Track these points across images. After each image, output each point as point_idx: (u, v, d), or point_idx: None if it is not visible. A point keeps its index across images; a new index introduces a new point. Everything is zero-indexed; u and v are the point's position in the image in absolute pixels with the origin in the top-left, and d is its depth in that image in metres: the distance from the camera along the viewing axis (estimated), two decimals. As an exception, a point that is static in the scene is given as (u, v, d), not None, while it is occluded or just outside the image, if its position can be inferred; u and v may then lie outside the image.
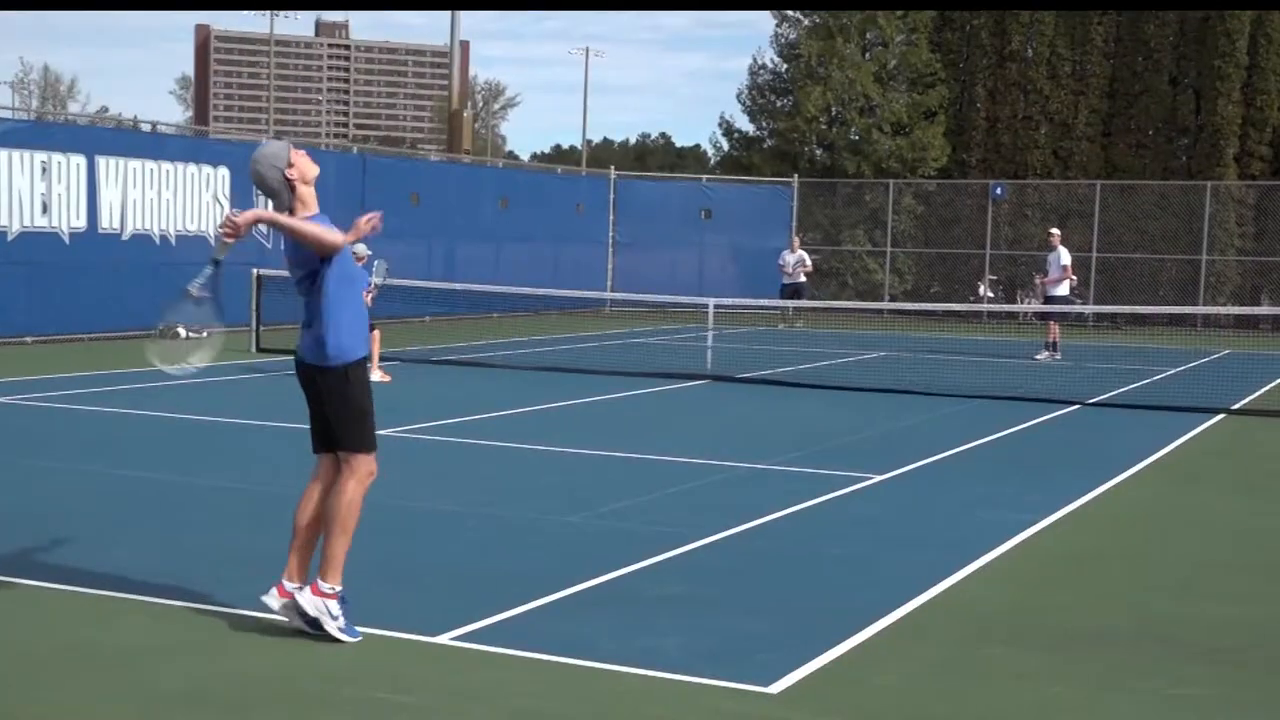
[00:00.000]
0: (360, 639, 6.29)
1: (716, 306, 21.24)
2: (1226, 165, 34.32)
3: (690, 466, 11.48)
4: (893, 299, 35.19)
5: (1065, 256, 22.93)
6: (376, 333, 16.17)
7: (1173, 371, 21.47)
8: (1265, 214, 33.76)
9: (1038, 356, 22.66)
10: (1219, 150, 34.36)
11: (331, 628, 6.26)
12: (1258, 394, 18.16)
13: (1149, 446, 13.13)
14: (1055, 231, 23.81)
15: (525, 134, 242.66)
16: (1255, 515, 10.23)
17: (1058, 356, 22.62)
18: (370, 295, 16.22)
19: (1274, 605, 7.55)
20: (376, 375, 16.25)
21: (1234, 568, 8.46)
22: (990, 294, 35.71)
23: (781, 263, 30.67)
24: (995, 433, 13.92)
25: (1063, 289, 22.96)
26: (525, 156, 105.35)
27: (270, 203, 6.48)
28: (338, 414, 6.45)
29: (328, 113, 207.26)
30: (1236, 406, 16.61)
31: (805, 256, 30.50)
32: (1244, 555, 8.84)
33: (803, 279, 30.10)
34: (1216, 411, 15.95)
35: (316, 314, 6.39)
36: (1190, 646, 6.67)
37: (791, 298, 28.91)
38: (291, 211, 6.45)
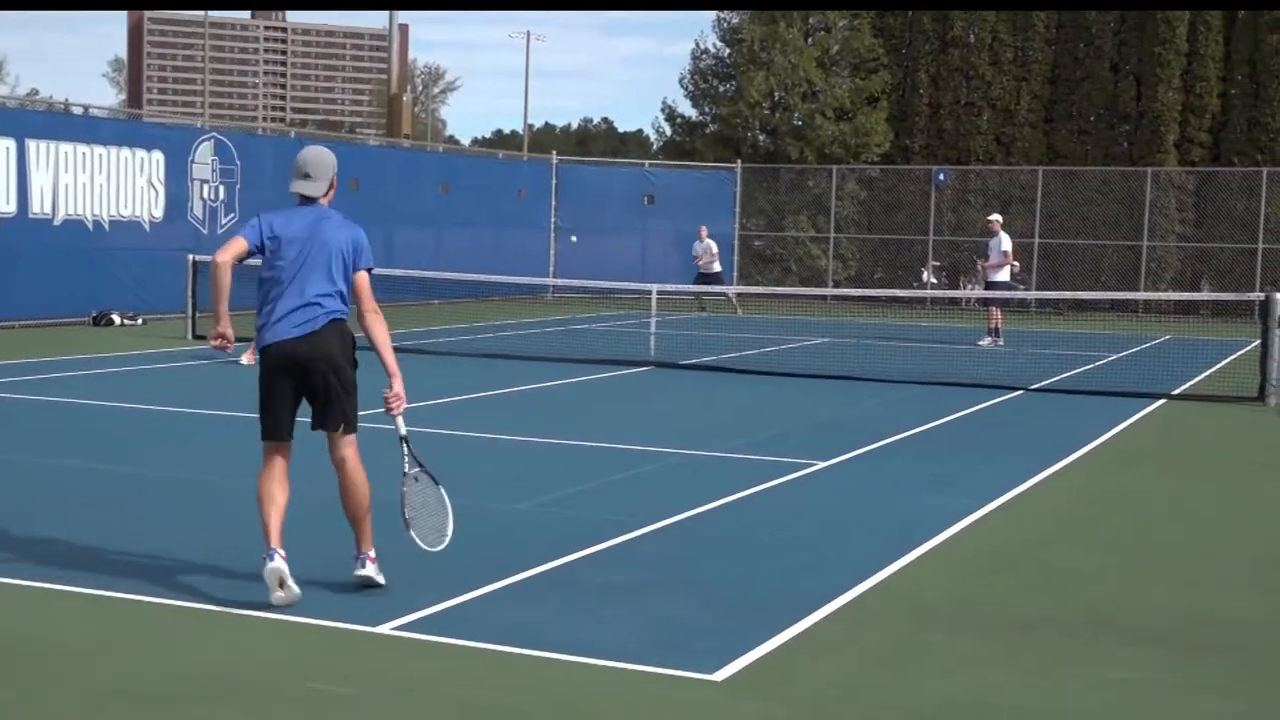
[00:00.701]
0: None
1: (659, 292, 21.26)
2: (1167, 151, 34.70)
3: (634, 453, 11.49)
4: (836, 285, 35.37)
5: (1006, 242, 23.08)
6: None
7: (1114, 357, 21.70)
8: (1205, 200, 34.17)
9: (980, 343, 22.83)
10: (1159, 136, 34.74)
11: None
12: (1198, 379, 18.38)
13: (1090, 432, 13.26)
14: (995, 217, 23.94)
15: (466, 118, 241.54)
16: (1194, 500, 10.37)
17: (1000, 342, 22.78)
18: None
19: (1213, 589, 7.65)
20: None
21: (1174, 552, 8.57)
22: (933, 280, 35.96)
23: (695, 254, 30.84)
24: (938, 419, 14.02)
25: (1003, 275, 23.09)
26: (466, 141, 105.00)
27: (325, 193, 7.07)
28: (346, 393, 7.18)
29: (265, 96, 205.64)
30: (1177, 392, 16.81)
31: (713, 245, 30.67)
32: (1183, 540, 8.96)
33: (717, 268, 30.33)
34: (1157, 397, 16.13)
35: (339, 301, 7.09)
36: (1132, 631, 6.75)
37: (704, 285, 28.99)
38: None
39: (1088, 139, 35.94)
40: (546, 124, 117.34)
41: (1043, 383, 17.49)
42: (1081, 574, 7.92)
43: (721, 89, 39.89)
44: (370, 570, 6.93)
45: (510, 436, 12.30)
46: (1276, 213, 32.94)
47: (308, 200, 6.99)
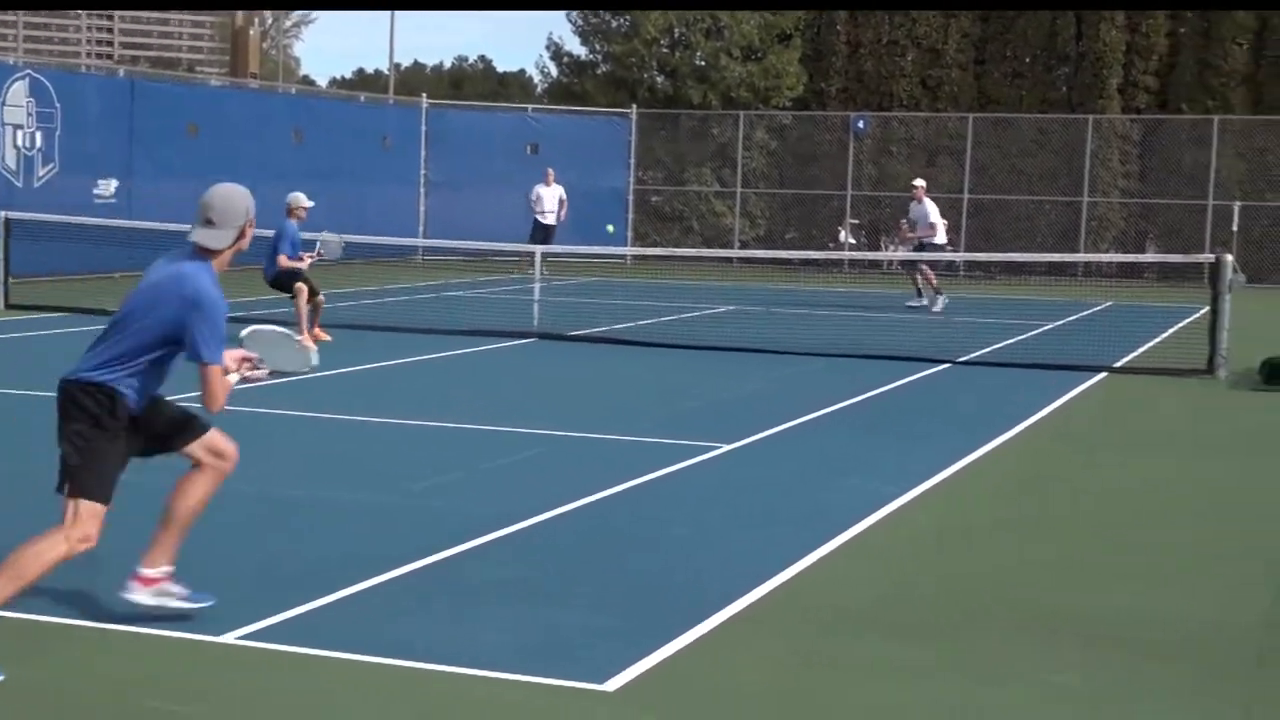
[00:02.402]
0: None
1: (545, 255, 21.22)
2: (1110, 97, 35.22)
3: (516, 436, 11.48)
4: (743, 246, 35.53)
5: (934, 213, 23.37)
6: (320, 298, 17.45)
7: (1051, 325, 22.04)
8: (1150, 151, 34.73)
9: (935, 310, 23.07)
10: (1101, 80, 35.24)
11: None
12: (1142, 350, 18.73)
13: (1025, 409, 13.47)
14: (919, 183, 24.09)
15: (323, 56, 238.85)
16: (1138, 484, 10.56)
17: (925, 302, 23.30)
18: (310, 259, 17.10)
19: (1156, 582, 7.81)
20: (313, 338, 16.46)
21: (1118, 542, 8.73)
22: (852, 240, 36.24)
23: (534, 198, 30.85)
24: (858, 395, 14.16)
25: (940, 237, 23.58)
26: (323, 82, 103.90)
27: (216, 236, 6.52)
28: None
29: (88, 29, 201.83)
30: (1119, 364, 17.11)
31: (563, 193, 30.82)
32: (1128, 528, 9.13)
33: (556, 220, 30.54)
34: (1098, 370, 16.41)
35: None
36: (1071, 630, 6.87)
37: (542, 242, 28.73)
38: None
39: (1022, 83, 36.36)
40: (415, 63, 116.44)
41: (973, 354, 17.72)
42: (1016, 566, 8.04)
43: (614, 24, 39.81)
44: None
45: (375, 419, 12.23)
46: (1228, 166, 33.60)
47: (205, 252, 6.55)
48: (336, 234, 18.02)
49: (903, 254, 26.04)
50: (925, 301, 23.46)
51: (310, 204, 17.11)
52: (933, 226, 23.36)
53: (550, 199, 30.82)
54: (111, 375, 6.38)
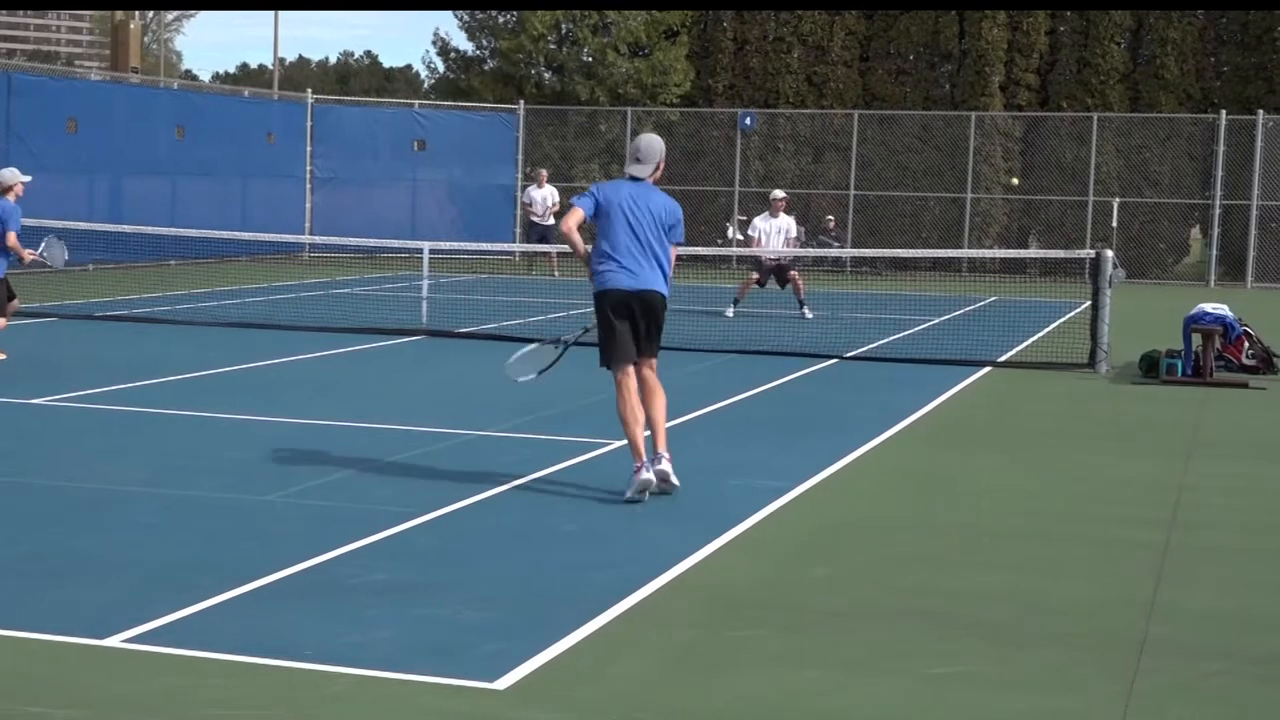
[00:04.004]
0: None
1: (432, 251, 21.14)
2: (992, 95, 35.70)
3: (403, 434, 11.43)
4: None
5: (794, 228, 22.60)
6: (15, 303, 15.43)
7: (937, 321, 22.30)
8: (1032, 148, 35.25)
9: (808, 315, 22.34)
10: (984, 78, 35.71)
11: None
12: (1025, 344, 19.01)
13: (911, 404, 13.62)
14: (779, 195, 22.82)
15: (205, 50, 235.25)
16: (1020, 477, 10.73)
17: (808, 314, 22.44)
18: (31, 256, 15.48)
19: (1039, 575, 7.94)
20: None
21: (999, 535, 8.86)
22: (739, 236, 36.40)
23: (528, 201, 30.80)
24: (743, 391, 14.24)
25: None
26: (206, 77, 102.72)
27: None
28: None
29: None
30: (1003, 359, 17.36)
31: (555, 194, 30.76)
32: (1009, 521, 9.27)
33: (553, 220, 30.35)
34: (982, 364, 16.63)
35: None
36: (955, 620, 6.97)
37: (539, 241, 29.02)
38: None
39: (906, 80, 36.76)
40: (300, 57, 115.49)
41: (858, 350, 17.89)
42: (901, 560, 8.14)
43: (501, 20, 39.73)
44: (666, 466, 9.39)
45: (259, 417, 12.12)
46: (1108, 162, 34.18)
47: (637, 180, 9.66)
48: (61, 242, 16.31)
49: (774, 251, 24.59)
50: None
51: (26, 179, 15.28)
52: (791, 242, 22.39)
53: (541, 201, 30.68)
54: None
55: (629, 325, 9.71)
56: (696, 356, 16.79)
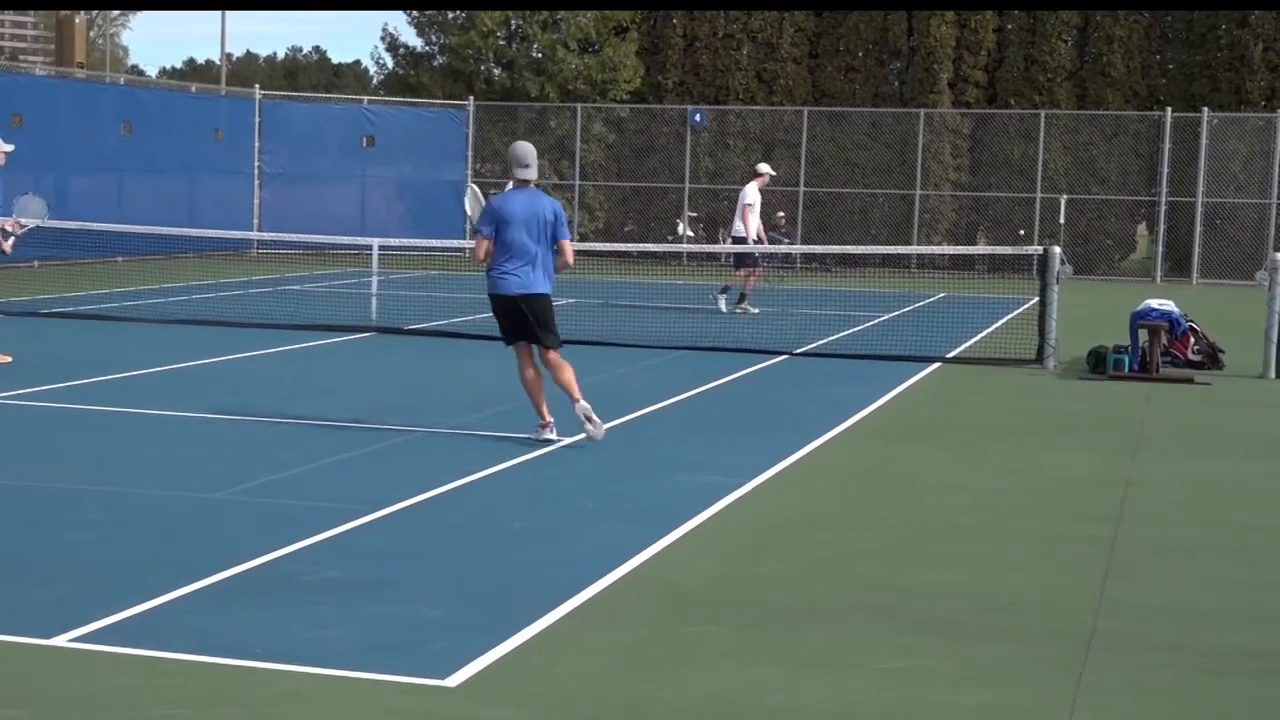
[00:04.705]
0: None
1: (381, 248, 21.07)
2: (940, 92, 35.84)
3: (352, 431, 11.39)
4: (582, 238, 35.55)
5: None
6: None
7: (886, 317, 22.38)
8: (980, 144, 35.43)
9: (744, 308, 22.21)
10: (932, 75, 35.85)
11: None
12: (974, 340, 19.10)
13: (860, 400, 13.66)
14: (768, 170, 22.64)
15: (151, 45, 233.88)
16: (970, 473, 10.79)
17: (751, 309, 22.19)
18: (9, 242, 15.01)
19: (989, 570, 7.99)
20: None
21: (949, 531, 8.91)
22: (690, 232, 36.46)
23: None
24: (694, 388, 14.26)
25: (746, 231, 22.19)
26: (152, 72, 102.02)
27: None
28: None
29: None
30: (952, 354, 17.44)
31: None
32: (959, 517, 9.32)
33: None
34: (931, 360, 16.71)
35: None
36: (906, 616, 7.00)
37: None
38: None
39: (855, 77, 36.85)
40: (248, 53, 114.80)
41: (808, 346, 17.93)
42: (852, 556, 8.17)
43: (450, 16, 39.60)
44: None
45: (206, 415, 12.05)
46: (1055, 159, 34.39)
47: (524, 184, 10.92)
48: (33, 195, 15.68)
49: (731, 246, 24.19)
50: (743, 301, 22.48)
51: (9, 147, 14.85)
52: (748, 208, 22.19)
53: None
54: None
55: (516, 319, 11.03)
56: (646, 353, 16.80)
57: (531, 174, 10.96)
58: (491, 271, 10.94)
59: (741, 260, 22.26)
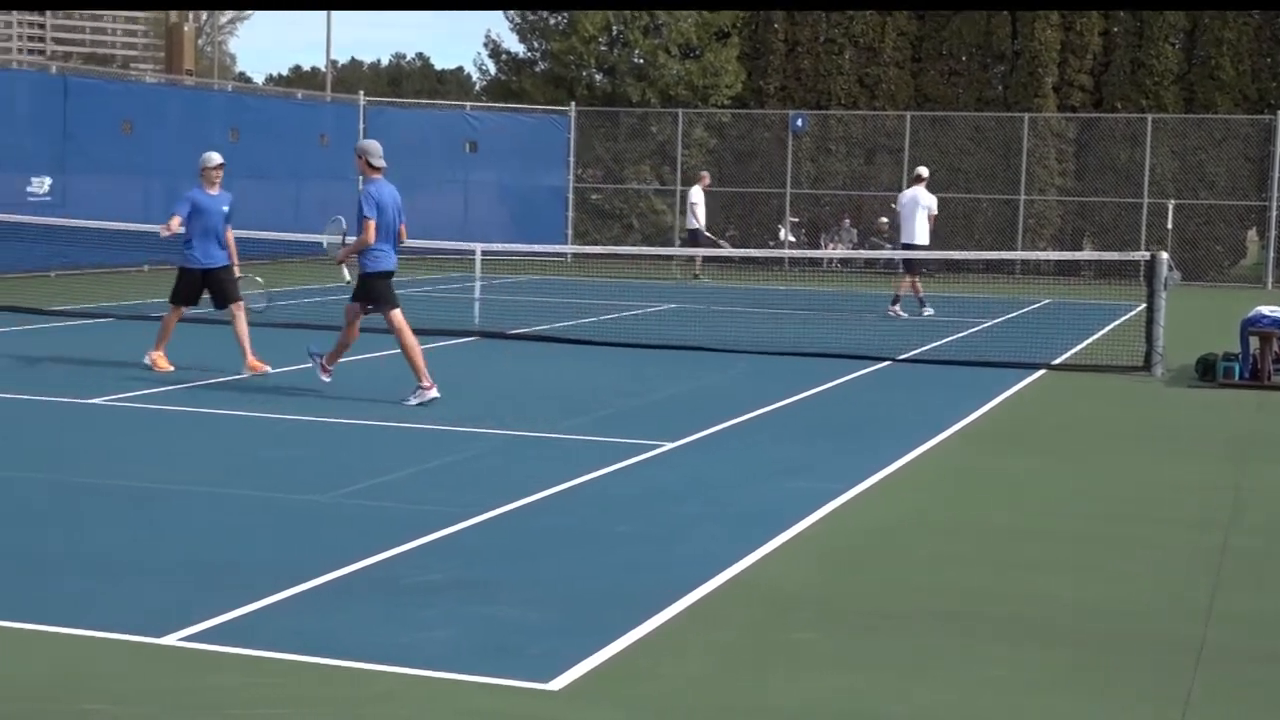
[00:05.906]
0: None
1: (484, 253, 21.18)
2: (1045, 96, 35.46)
3: (457, 435, 11.44)
4: (683, 244, 35.53)
5: (934, 205, 23.60)
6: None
7: (990, 323, 22.18)
8: (1086, 149, 35.01)
9: (914, 313, 22.76)
10: (1037, 79, 35.48)
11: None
12: (1080, 347, 18.88)
13: (964, 407, 13.54)
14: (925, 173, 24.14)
15: (259, 53, 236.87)
16: (1075, 480, 10.65)
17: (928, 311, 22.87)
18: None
19: (1092, 577, 7.88)
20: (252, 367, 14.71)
21: (1052, 537, 8.80)
22: (792, 238, 36.34)
23: (695, 202, 31.21)
24: (798, 393, 14.20)
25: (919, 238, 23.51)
26: (259, 79, 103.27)
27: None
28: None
29: (19, 24, 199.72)
30: (1057, 361, 17.24)
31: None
32: (1063, 523, 9.21)
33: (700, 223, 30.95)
34: (1036, 367, 16.52)
35: None
36: (1008, 624, 6.93)
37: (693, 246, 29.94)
38: None
39: (959, 81, 36.56)
40: (353, 60, 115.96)
41: (912, 352, 17.80)
42: (953, 562, 8.10)
43: (552, 22, 39.75)
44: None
45: (308, 417, 12.16)
46: (1162, 164, 33.91)
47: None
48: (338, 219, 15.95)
49: (841, 252, 25.58)
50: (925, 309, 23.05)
51: (219, 159, 15.99)
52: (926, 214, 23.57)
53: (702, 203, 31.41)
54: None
55: (387, 289, 13.20)
56: (751, 358, 16.74)
57: (384, 165, 13.27)
58: (373, 251, 12.96)
59: (910, 266, 23.62)
